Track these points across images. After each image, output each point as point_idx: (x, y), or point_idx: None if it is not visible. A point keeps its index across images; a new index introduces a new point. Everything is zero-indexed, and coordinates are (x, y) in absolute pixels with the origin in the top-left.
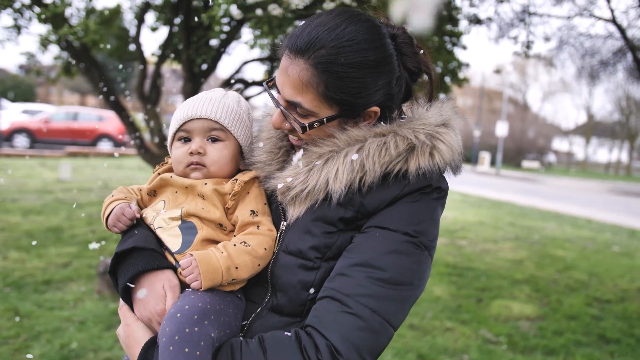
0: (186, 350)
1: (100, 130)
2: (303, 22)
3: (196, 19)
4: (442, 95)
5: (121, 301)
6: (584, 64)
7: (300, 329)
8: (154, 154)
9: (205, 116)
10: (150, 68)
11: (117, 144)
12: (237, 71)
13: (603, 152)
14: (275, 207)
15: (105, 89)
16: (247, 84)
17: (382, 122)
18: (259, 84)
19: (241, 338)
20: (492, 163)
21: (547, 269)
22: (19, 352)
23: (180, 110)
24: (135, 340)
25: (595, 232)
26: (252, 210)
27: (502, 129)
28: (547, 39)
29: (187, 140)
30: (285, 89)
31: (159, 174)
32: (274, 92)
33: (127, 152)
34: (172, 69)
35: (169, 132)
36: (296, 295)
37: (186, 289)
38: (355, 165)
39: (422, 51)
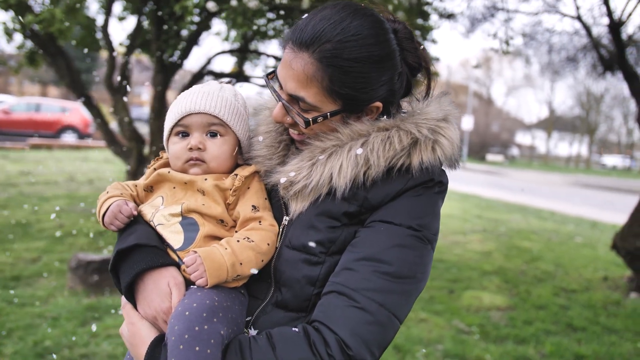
0: (197, 348)
1: (64, 121)
2: (306, 15)
3: (177, 9)
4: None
5: (124, 299)
6: (550, 59)
7: (307, 325)
8: (123, 146)
9: (204, 110)
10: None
11: (82, 135)
12: (208, 63)
13: (564, 146)
14: (276, 201)
15: (71, 80)
16: (217, 76)
17: (384, 117)
18: (229, 76)
19: (249, 335)
20: None
21: (515, 260)
22: None
23: (177, 104)
24: (140, 339)
25: (558, 224)
26: (253, 206)
27: (467, 123)
28: (524, 35)
29: (185, 135)
30: (288, 83)
31: (155, 169)
32: (275, 85)
33: (93, 145)
34: (137, 59)
35: (165, 127)
36: (301, 290)
37: (191, 286)
38: (359, 159)
39: (422, 47)
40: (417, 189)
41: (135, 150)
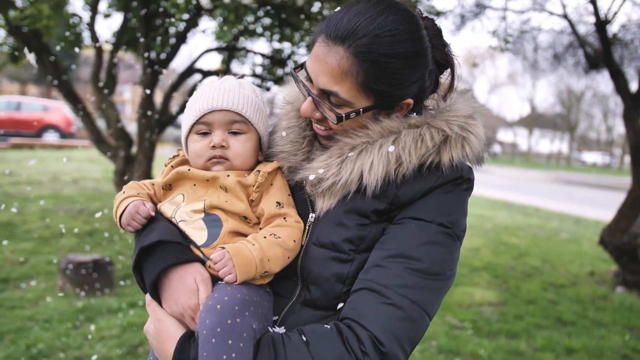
0: (229, 342)
1: (45, 120)
2: (338, 9)
3: (168, 7)
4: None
5: (148, 297)
6: (535, 57)
7: (338, 322)
8: (110, 145)
9: (227, 107)
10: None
11: (64, 135)
12: (196, 60)
13: (545, 143)
14: (300, 198)
15: (57, 78)
16: (205, 74)
17: (414, 114)
18: (215, 74)
19: (281, 331)
20: None
21: (503, 256)
22: None
23: (198, 101)
24: (168, 336)
25: (543, 220)
26: (277, 202)
27: None
28: (522, 32)
29: (205, 132)
30: (320, 77)
31: (173, 167)
32: (303, 79)
33: (74, 144)
34: (119, 57)
35: (184, 124)
36: (330, 288)
37: (219, 282)
38: (391, 157)
39: (448, 44)
40: (446, 186)
41: (122, 150)
